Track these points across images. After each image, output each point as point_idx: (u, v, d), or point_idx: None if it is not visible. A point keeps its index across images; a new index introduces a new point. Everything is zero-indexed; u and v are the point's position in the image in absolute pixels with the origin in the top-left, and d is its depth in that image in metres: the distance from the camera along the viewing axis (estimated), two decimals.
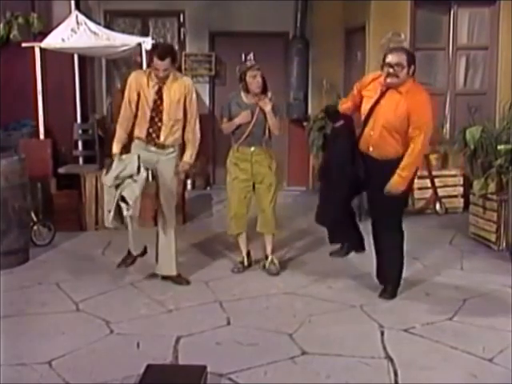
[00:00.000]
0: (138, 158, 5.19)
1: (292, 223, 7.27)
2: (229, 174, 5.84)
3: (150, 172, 5.39)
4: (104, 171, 5.28)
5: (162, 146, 5.33)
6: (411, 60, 4.80)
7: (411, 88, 4.83)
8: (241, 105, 5.69)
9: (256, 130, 5.67)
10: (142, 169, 5.18)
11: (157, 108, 5.27)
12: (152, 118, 5.29)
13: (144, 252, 5.64)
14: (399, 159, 4.83)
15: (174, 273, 5.53)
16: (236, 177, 5.77)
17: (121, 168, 5.17)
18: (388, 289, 5.14)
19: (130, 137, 5.43)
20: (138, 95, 5.27)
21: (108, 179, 5.22)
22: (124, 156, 5.30)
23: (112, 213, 5.14)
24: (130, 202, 5.11)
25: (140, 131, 5.34)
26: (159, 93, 5.25)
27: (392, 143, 4.87)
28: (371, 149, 4.91)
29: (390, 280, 5.17)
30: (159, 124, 5.29)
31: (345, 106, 5.24)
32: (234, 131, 5.74)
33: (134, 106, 5.30)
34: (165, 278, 5.55)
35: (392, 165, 4.82)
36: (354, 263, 5.40)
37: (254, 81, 5.58)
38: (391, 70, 4.73)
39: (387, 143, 4.87)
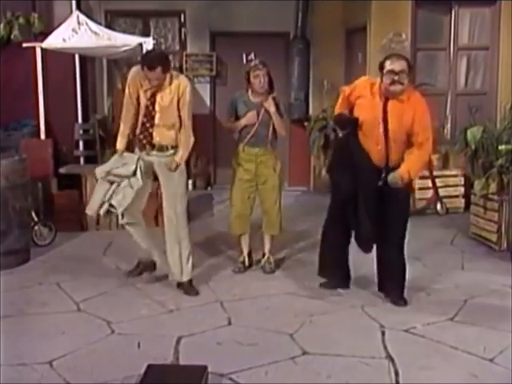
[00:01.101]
0: (138, 159, 5.14)
1: (293, 223, 7.26)
2: (233, 175, 5.84)
3: (144, 176, 5.23)
4: (100, 164, 5.25)
5: (160, 148, 5.21)
6: (410, 67, 4.76)
7: (411, 95, 4.80)
8: (247, 104, 5.67)
9: (261, 130, 5.66)
10: (139, 173, 5.12)
11: (148, 114, 5.16)
12: (143, 124, 5.19)
13: (153, 267, 5.55)
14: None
15: (183, 279, 5.34)
16: (240, 177, 5.77)
17: (116, 165, 5.14)
18: (400, 295, 5.07)
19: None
20: (137, 93, 5.20)
21: (99, 171, 5.22)
22: (126, 154, 5.27)
23: (98, 208, 5.16)
24: (119, 210, 5.10)
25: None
26: (152, 99, 5.13)
27: (401, 152, 4.85)
28: (391, 164, 4.81)
29: (401, 286, 5.10)
30: (150, 130, 5.16)
31: (343, 109, 5.09)
32: (240, 131, 5.74)
33: (135, 100, 5.20)
34: (179, 284, 5.38)
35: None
36: (355, 263, 5.38)
37: (256, 81, 5.57)
38: (396, 78, 4.66)
39: (400, 153, 4.84)
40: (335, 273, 5.31)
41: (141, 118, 5.20)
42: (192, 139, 5.25)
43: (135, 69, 5.27)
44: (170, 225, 5.28)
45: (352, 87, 5.00)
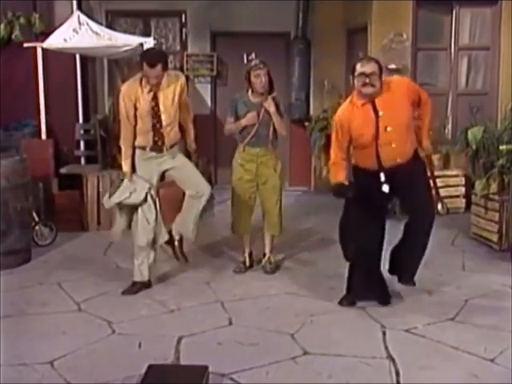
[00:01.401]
0: (149, 188, 5.22)
1: (294, 223, 7.26)
2: (233, 175, 5.84)
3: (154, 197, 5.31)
4: (109, 192, 5.27)
5: (170, 147, 5.33)
6: (381, 68, 4.69)
7: (390, 83, 4.75)
8: (247, 104, 5.67)
9: (262, 130, 5.66)
10: (150, 200, 5.19)
11: (155, 114, 5.21)
12: (154, 125, 5.23)
13: (148, 284, 5.46)
14: (415, 151, 4.88)
15: (189, 235, 5.52)
16: (240, 177, 5.77)
17: (125, 195, 5.17)
18: (411, 276, 5.01)
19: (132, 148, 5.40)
20: (135, 107, 5.19)
21: (107, 202, 5.27)
22: (135, 177, 5.27)
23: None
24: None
25: (143, 141, 5.29)
26: (155, 99, 5.18)
27: (410, 138, 4.81)
28: (399, 159, 4.75)
29: (415, 268, 5.02)
30: (161, 130, 5.25)
31: (341, 173, 4.83)
32: (240, 132, 5.74)
33: (132, 119, 5.22)
34: (168, 243, 5.55)
35: (414, 162, 4.84)
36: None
37: (257, 81, 5.57)
38: (367, 80, 4.59)
39: (408, 141, 4.80)
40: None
41: (150, 122, 5.21)
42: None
43: (126, 85, 5.31)
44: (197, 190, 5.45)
45: (341, 123, 4.78)
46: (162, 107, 5.20)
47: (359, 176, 4.91)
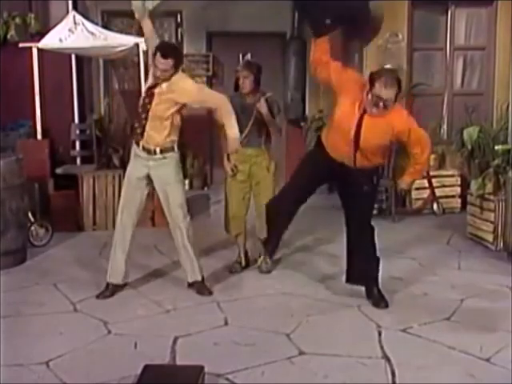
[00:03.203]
0: None
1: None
2: (227, 175, 5.84)
3: None
4: None
5: (151, 151, 5.08)
6: (400, 90, 4.58)
7: (392, 109, 4.61)
8: (241, 104, 5.68)
9: (254, 131, 5.67)
10: None
11: (145, 111, 5.03)
12: (140, 122, 5.07)
13: (124, 284, 5.36)
14: (375, 167, 4.91)
15: (197, 278, 5.32)
16: (234, 178, 5.77)
17: None
18: (371, 290, 5.04)
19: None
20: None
21: None
22: None
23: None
24: None
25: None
26: (151, 96, 5.01)
27: (372, 160, 4.82)
28: (348, 163, 4.75)
29: (369, 279, 5.07)
30: (147, 130, 5.05)
31: (326, 56, 4.73)
32: None
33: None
34: (190, 285, 5.34)
35: (368, 172, 4.84)
36: None
37: (240, 83, 5.64)
38: (381, 104, 4.47)
39: (368, 161, 4.79)
40: None
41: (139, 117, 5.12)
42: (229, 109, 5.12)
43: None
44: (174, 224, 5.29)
45: (358, 79, 4.76)
46: (153, 104, 5.00)
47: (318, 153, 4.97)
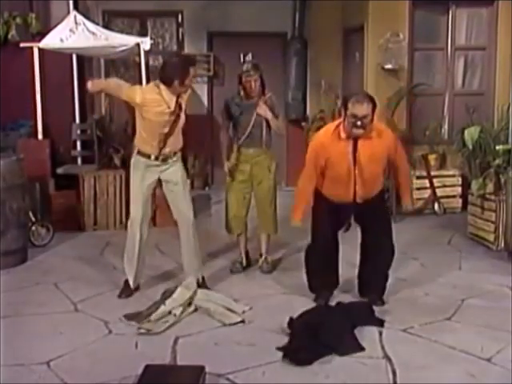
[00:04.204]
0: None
1: (290, 223, 7.25)
2: (228, 175, 5.83)
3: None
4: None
5: (167, 158, 5.18)
6: (375, 106, 4.61)
7: (383, 132, 4.74)
8: (240, 105, 5.68)
9: (255, 131, 5.67)
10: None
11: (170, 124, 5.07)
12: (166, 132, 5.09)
13: (137, 288, 5.37)
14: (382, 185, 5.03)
15: (200, 274, 5.38)
16: (235, 178, 5.77)
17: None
18: (380, 297, 5.07)
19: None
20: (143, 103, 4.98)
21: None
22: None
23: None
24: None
25: (149, 149, 5.12)
26: (177, 101, 5.04)
27: (378, 182, 4.93)
28: (360, 200, 4.82)
29: (382, 289, 5.11)
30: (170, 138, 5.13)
31: (300, 212, 5.00)
32: (234, 132, 5.75)
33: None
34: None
35: (378, 194, 4.97)
36: (352, 263, 5.37)
37: (247, 86, 5.60)
38: (358, 123, 4.50)
39: (376, 185, 4.92)
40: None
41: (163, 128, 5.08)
42: None
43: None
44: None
45: (316, 149, 4.79)
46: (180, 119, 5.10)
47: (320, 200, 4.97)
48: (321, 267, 5.10)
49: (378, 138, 4.69)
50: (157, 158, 5.13)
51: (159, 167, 5.17)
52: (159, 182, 5.29)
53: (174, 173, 5.23)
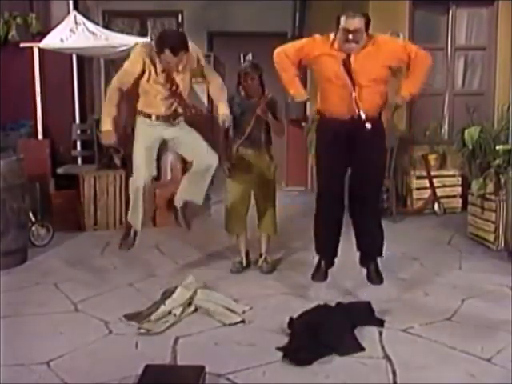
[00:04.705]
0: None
1: (290, 223, 7.26)
2: (228, 175, 5.83)
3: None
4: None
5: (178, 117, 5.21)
6: (369, 21, 4.51)
7: (376, 39, 4.59)
8: (241, 105, 5.69)
9: (255, 131, 5.68)
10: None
11: (173, 92, 5.05)
12: (167, 99, 5.08)
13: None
14: (380, 119, 4.80)
15: (199, 201, 5.41)
16: (235, 178, 5.78)
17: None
18: (377, 268, 4.99)
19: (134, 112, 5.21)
20: (143, 71, 4.90)
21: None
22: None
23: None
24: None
25: (153, 108, 5.11)
26: (169, 78, 4.99)
27: (378, 95, 4.71)
28: (364, 112, 4.56)
29: (376, 255, 5.01)
30: (176, 104, 5.13)
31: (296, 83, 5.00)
32: (234, 133, 5.76)
33: (132, 80, 4.94)
34: (170, 208, 5.40)
35: (377, 129, 4.73)
36: (352, 263, 5.37)
37: (247, 85, 5.62)
38: (350, 37, 4.41)
39: (376, 97, 4.69)
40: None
41: (164, 93, 5.05)
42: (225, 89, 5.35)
43: (143, 47, 4.97)
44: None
45: (311, 40, 4.77)
46: (180, 87, 5.05)
47: (322, 131, 5.02)
48: (327, 217, 4.97)
49: (375, 47, 4.54)
50: (158, 118, 5.12)
51: (168, 126, 5.17)
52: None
53: (181, 129, 5.23)
